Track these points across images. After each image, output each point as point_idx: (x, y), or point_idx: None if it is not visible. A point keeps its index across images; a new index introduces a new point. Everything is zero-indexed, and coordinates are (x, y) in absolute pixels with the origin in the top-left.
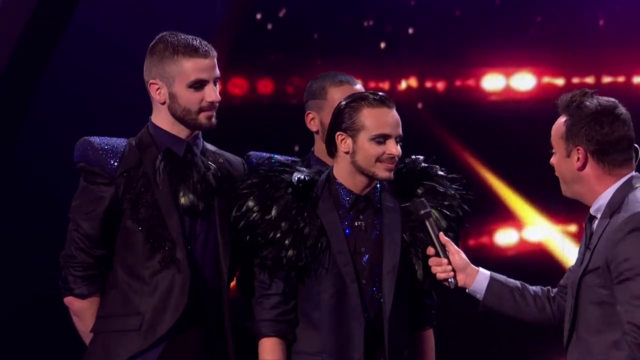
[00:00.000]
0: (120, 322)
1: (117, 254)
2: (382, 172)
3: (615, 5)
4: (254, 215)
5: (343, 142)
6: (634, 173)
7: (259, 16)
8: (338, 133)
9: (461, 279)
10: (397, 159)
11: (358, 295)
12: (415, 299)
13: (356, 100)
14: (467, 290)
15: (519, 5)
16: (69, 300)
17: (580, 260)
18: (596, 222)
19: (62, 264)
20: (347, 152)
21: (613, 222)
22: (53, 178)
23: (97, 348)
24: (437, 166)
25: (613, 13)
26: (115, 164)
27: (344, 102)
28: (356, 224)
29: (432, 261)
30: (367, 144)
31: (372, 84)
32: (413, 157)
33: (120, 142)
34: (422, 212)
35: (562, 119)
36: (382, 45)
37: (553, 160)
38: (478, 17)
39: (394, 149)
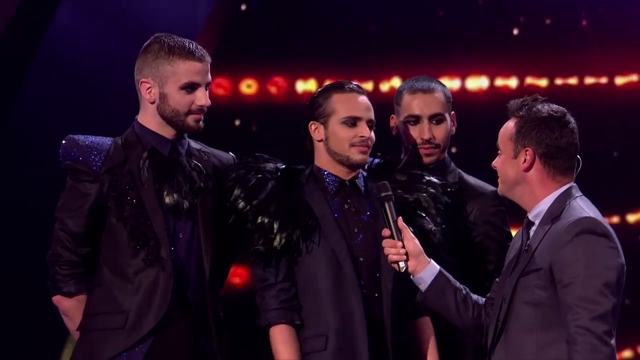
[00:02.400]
0: (105, 320)
1: (102, 252)
2: (356, 154)
3: (598, 6)
4: (241, 203)
5: (316, 130)
6: (573, 183)
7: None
8: (311, 122)
9: (412, 265)
10: (370, 143)
11: (354, 272)
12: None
13: (327, 89)
14: (412, 277)
15: (502, 5)
16: (57, 299)
17: (512, 263)
18: (534, 227)
19: (49, 263)
20: (320, 140)
21: (556, 226)
22: (40, 178)
23: (83, 346)
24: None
25: (596, 14)
26: (100, 161)
27: (316, 93)
28: (345, 207)
29: (386, 242)
30: (338, 128)
31: None
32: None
33: (105, 141)
34: (383, 194)
35: (511, 122)
36: (367, 45)
37: (496, 162)
38: (460, 17)
39: (365, 131)
